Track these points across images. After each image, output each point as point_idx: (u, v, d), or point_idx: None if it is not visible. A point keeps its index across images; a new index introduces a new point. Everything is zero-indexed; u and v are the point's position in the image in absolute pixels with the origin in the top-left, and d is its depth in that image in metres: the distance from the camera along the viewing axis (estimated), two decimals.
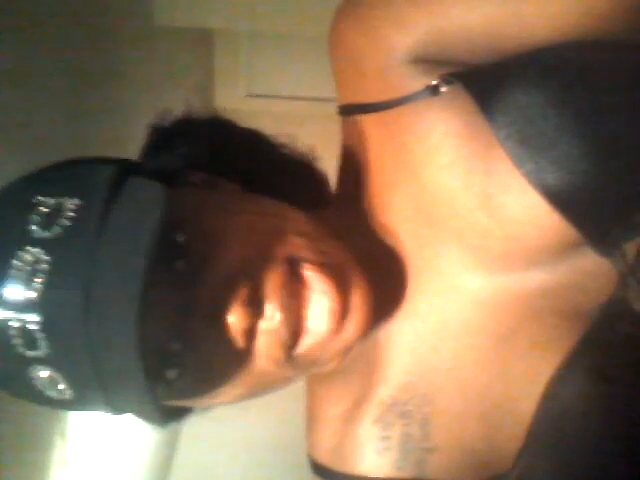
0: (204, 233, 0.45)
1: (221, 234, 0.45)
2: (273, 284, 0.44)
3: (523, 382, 0.48)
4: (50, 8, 1.05)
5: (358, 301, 0.46)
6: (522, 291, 0.49)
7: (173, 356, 0.43)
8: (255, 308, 0.43)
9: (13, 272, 0.39)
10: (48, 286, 0.38)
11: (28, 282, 0.38)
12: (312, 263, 0.45)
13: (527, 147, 0.44)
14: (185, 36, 1.89)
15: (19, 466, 1.03)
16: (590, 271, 0.49)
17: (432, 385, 0.51)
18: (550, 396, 0.47)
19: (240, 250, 0.45)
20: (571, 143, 0.43)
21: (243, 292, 0.43)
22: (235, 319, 0.43)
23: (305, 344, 0.45)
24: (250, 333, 0.43)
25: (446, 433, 0.51)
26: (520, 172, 0.44)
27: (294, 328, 0.44)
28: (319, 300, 0.44)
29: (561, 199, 0.44)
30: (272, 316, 0.44)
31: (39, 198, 0.41)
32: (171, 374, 0.43)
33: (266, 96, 2.24)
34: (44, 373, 0.40)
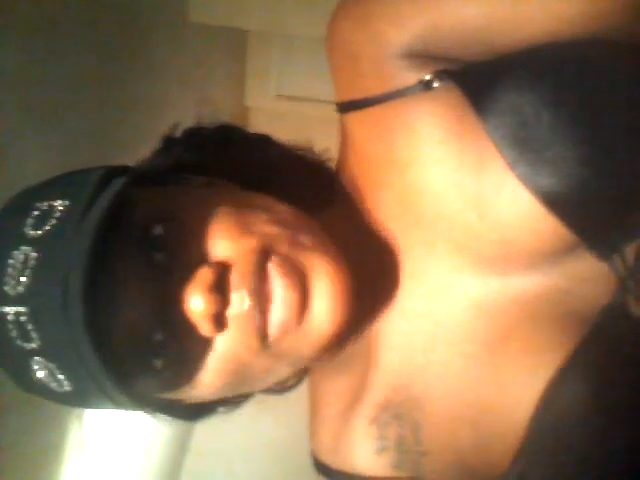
0: (182, 226, 0.45)
1: (197, 226, 0.45)
2: (242, 272, 0.44)
3: (516, 388, 0.47)
4: (85, 1, 1.07)
5: (323, 290, 0.45)
6: (516, 295, 0.49)
7: (146, 345, 0.44)
8: (221, 295, 0.43)
9: (9, 270, 0.41)
10: (33, 280, 0.41)
11: (19, 278, 0.41)
12: (281, 256, 0.45)
13: (521, 148, 0.44)
14: (219, 34, 1.91)
15: (35, 448, 1.04)
16: (588, 275, 0.48)
17: (422, 389, 0.51)
18: (548, 401, 0.46)
19: (213, 240, 0.45)
20: (566, 145, 0.43)
21: (206, 277, 0.43)
22: (197, 304, 0.43)
23: (272, 333, 0.44)
24: (218, 320, 0.44)
25: (437, 438, 0.50)
26: (514, 174, 0.44)
27: (264, 316, 0.44)
28: (279, 291, 0.44)
29: (557, 202, 0.44)
30: (241, 303, 0.44)
31: (35, 204, 0.44)
32: (147, 363, 0.44)
33: (296, 97, 2.25)
34: (42, 365, 0.42)
